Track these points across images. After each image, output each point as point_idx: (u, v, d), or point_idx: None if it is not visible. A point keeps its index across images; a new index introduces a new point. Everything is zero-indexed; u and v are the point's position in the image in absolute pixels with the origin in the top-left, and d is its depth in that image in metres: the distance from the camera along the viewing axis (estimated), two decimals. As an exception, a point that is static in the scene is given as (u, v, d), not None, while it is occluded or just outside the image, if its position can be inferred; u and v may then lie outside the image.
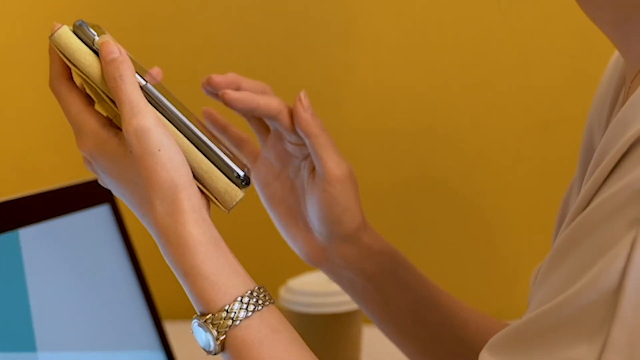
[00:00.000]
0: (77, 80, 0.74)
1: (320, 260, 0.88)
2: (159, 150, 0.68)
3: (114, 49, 0.70)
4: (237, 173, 0.72)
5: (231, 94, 0.81)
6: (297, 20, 1.38)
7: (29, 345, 0.88)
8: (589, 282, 0.55)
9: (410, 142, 1.38)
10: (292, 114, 0.84)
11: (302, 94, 0.84)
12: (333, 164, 0.83)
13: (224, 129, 0.87)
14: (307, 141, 0.83)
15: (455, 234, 1.39)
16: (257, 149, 0.88)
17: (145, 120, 0.68)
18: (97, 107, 0.73)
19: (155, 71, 0.80)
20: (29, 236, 0.90)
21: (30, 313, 0.88)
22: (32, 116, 1.39)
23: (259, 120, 0.87)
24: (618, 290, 0.54)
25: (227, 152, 0.73)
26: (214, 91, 0.84)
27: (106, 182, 0.74)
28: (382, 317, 0.88)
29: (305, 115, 0.83)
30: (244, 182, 0.72)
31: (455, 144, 1.36)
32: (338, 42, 1.37)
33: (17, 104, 1.42)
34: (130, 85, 0.69)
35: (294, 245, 0.88)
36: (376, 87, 1.38)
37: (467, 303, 0.90)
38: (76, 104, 0.72)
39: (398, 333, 0.89)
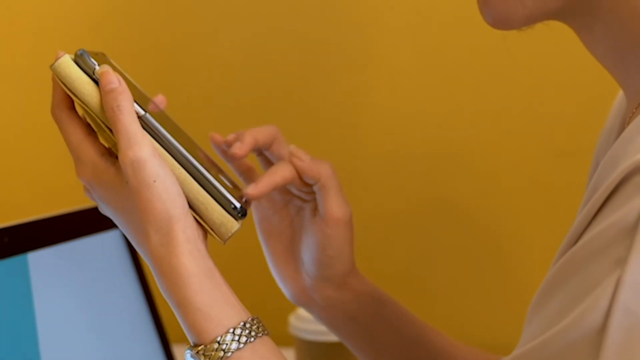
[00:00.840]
0: (80, 109, 0.74)
1: (303, 300, 0.88)
2: (155, 181, 0.68)
3: (113, 79, 0.71)
4: (234, 204, 0.72)
5: (254, 191, 0.80)
6: (314, 44, 1.39)
7: (35, 368, 0.88)
8: (574, 321, 0.54)
9: (426, 167, 1.37)
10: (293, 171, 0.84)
11: (292, 148, 0.84)
12: (336, 207, 0.84)
13: (231, 158, 0.88)
14: (315, 186, 0.84)
15: (469, 259, 1.38)
16: None
17: (141, 151, 0.69)
18: (100, 137, 0.74)
19: (159, 99, 0.80)
20: (38, 260, 0.91)
21: (37, 336, 0.89)
22: (48, 139, 1.40)
23: (267, 157, 0.88)
24: (602, 330, 0.53)
25: (226, 184, 0.73)
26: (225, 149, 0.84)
27: (105, 211, 0.74)
28: (367, 353, 0.88)
29: (305, 165, 0.83)
30: (240, 214, 0.72)
31: (470, 169, 1.36)
32: (354, 67, 1.38)
33: (34, 127, 1.44)
34: (127, 116, 0.69)
35: (281, 282, 0.88)
36: (392, 111, 1.38)
37: (455, 339, 0.90)
38: (76, 133, 0.72)
39: None
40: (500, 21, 0.68)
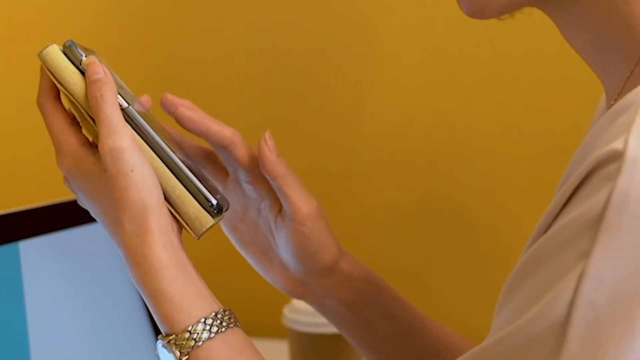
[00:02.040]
0: (65, 100, 0.75)
1: (300, 293, 0.88)
2: (132, 170, 0.69)
3: (99, 69, 0.72)
4: (210, 200, 0.72)
5: (184, 111, 0.81)
6: (317, 40, 1.39)
7: (24, 355, 0.89)
8: (539, 313, 0.54)
9: (428, 164, 1.37)
10: (247, 150, 0.83)
11: (267, 135, 0.83)
12: (302, 203, 0.83)
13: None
14: (273, 183, 0.83)
15: (471, 256, 1.38)
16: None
17: (121, 140, 0.69)
18: (83, 129, 0.75)
19: (144, 99, 0.81)
20: (30, 248, 0.92)
21: (26, 325, 0.89)
22: (42, 131, 1.41)
23: (217, 166, 0.87)
24: (566, 323, 0.53)
25: (203, 181, 0.74)
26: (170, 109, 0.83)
27: (82, 201, 0.75)
28: (365, 345, 0.88)
29: (271, 156, 0.82)
30: (215, 210, 0.73)
31: (472, 166, 1.36)
32: (358, 64, 1.38)
33: (28, 119, 1.44)
34: (110, 106, 0.70)
35: (273, 281, 0.88)
36: (394, 108, 1.38)
37: (450, 329, 0.90)
38: (59, 123, 0.73)
39: (379, 358, 0.88)
40: (475, 11, 0.68)
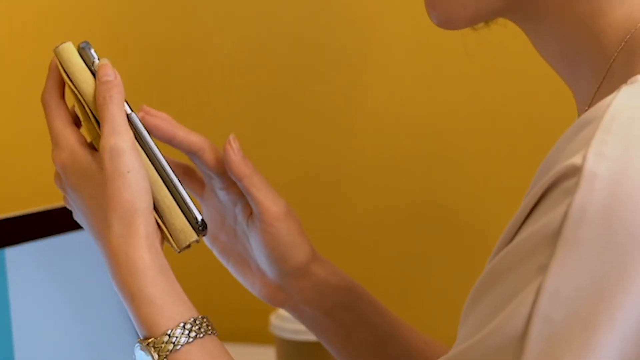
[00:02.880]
0: (70, 100, 0.76)
1: (279, 300, 0.88)
2: (129, 172, 0.71)
3: (111, 72, 0.74)
4: (196, 217, 0.74)
5: (150, 119, 0.81)
6: (310, 46, 1.39)
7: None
8: (498, 326, 0.54)
9: (420, 169, 1.38)
10: (216, 154, 0.83)
11: (232, 137, 0.83)
12: (269, 203, 0.83)
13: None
14: (239, 184, 0.83)
15: (463, 261, 1.38)
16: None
17: (122, 141, 0.71)
18: (82, 130, 0.76)
19: (139, 115, 0.81)
20: (16, 255, 0.92)
21: (11, 331, 0.90)
22: (32, 137, 1.42)
23: (194, 178, 0.88)
24: (523, 337, 0.53)
25: (193, 198, 0.75)
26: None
27: (70, 200, 0.76)
28: (343, 352, 0.88)
29: (236, 158, 0.82)
30: (200, 227, 0.74)
31: (465, 172, 1.36)
32: (350, 69, 1.38)
33: (23, 123, 1.45)
34: (117, 106, 0.72)
35: (253, 289, 0.89)
36: (387, 113, 1.38)
37: (431, 337, 0.90)
38: (61, 120, 0.75)
39: None
40: (444, 22, 0.69)
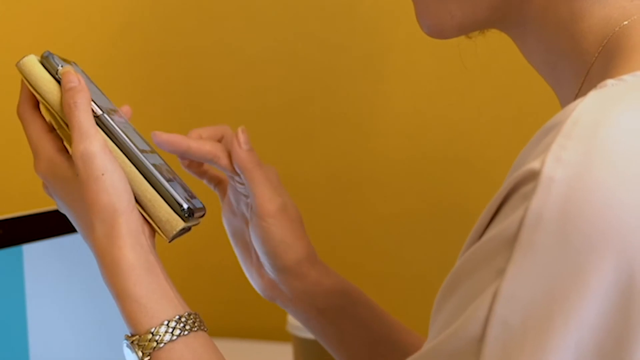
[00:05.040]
0: (43, 109, 0.78)
1: (272, 294, 0.89)
2: (103, 174, 0.72)
3: (74, 78, 0.74)
4: (180, 204, 0.75)
5: (160, 135, 0.84)
6: (334, 49, 1.40)
7: (23, 355, 0.92)
8: (457, 329, 0.55)
9: (442, 171, 1.38)
10: (228, 157, 0.86)
11: (240, 130, 0.85)
12: (264, 199, 0.85)
13: (201, 174, 0.91)
14: (242, 177, 0.85)
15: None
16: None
17: (92, 145, 0.72)
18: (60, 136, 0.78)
19: (125, 109, 0.83)
20: (33, 252, 0.95)
21: (26, 327, 0.92)
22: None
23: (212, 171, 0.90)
24: (481, 340, 0.53)
25: (179, 187, 0.76)
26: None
27: (59, 206, 0.78)
28: (338, 351, 0.89)
29: (240, 151, 0.84)
30: (186, 214, 0.75)
31: (486, 175, 1.36)
32: (371, 71, 1.39)
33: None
34: (82, 112, 0.73)
35: (251, 279, 0.91)
36: (409, 116, 1.38)
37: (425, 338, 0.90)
38: (36, 130, 0.76)
39: None
40: (434, 31, 0.70)
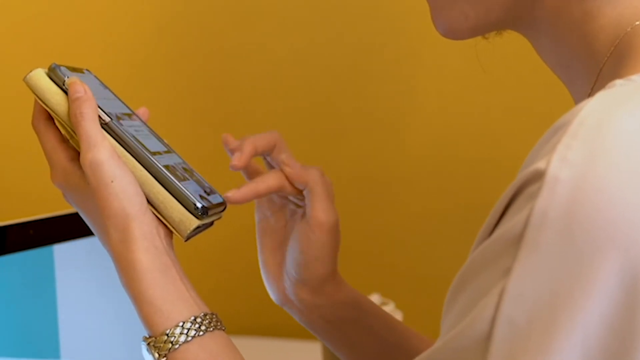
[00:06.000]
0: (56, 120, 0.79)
1: (284, 301, 0.90)
2: (112, 181, 0.73)
3: (80, 88, 0.75)
4: (194, 203, 0.75)
5: (234, 195, 0.84)
6: (363, 48, 1.41)
7: (54, 353, 0.94)
8: (465, 328, 0.55)
9: (472, 171, 1.38)
10: (286, 182, 0.87)
11: (283, 158, 0.86)
12: (320, 211, 0.86)
13: (233, 167, 0.91)
14: (304, 191, 0.86)
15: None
16: None
17: (99, 153, 0.73)
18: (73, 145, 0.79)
19: (142, 111, 0.84)
20: (63, 252, 0.96)
21: (57, 323, 0.94)
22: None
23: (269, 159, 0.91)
24: (488, 338, 0.54)
25: (196, 185, 0.77)
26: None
27: (79, 213, 0.79)
28: (348, 358, 0.90)
29: (294, 172, 0.86)
30: (200, 213, 0.75)
31: (516, 174, 1.35)
32: (402, 72, 1.39)
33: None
34: (88, 121, 0.74)
35: (266, 280, 0.91)
36: (439, 115, 1.39)
37: None
38: (50, 141, 0.78)
39: None
40: (448, 32, 0.71)
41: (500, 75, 1.35)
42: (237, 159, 0.85)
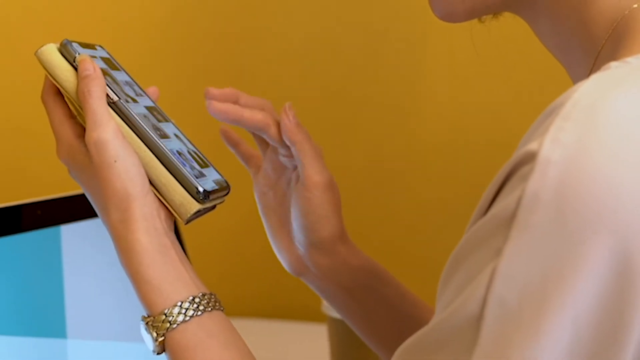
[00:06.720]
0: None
1: (300, 270, 0.91)
2: (115, 161, 0.73)
3: (89, 66, 0.76)
4: (197, 188, 0.75)
5: (216, 105, 0.85)
6: (375, 34, 1.41)
7: (60, 332, 0.94)
8: (457, 307, 0.56)
9: (484, 158, 1.38)
10: (277, 126, 0.87)
11: (287, 106, 0.87)
12: (313, 171, 0.86)
13: (236, 145, 0.92)
14: (292, 149, 0.87)
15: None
16: (262, 163, 0.92)
17: (104, 132, 0.74)
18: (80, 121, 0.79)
19: (152, 90, 0.84)
20: (70, 232, 0.97)
21: (63, 302, 0.95)
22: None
23: (262, 139, 0.91)
24: (480, 318, 0.54)
25: (202, 168, 0.77)
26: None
27: (83, 190, 0.80)
28: (364, 330, 0.90)
29: (290, 124, 0.86)
30: (202, 196, 0.75)
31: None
32: (413, 56, 1.39)
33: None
34: (96, 100, 0.74)
35: (279, 254, 0.92)
36: (451, 101, 1.38)
37: None
38: (58, 116, 0.78)
39: (381, 345, 0.90)
40: (445, 15, 0.71)
41: (513, 60, 1.35)
42: (213, 89, 0.86)
